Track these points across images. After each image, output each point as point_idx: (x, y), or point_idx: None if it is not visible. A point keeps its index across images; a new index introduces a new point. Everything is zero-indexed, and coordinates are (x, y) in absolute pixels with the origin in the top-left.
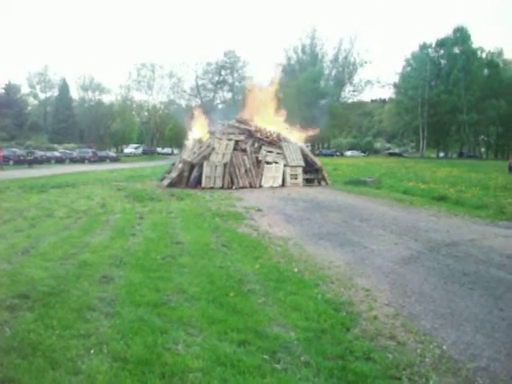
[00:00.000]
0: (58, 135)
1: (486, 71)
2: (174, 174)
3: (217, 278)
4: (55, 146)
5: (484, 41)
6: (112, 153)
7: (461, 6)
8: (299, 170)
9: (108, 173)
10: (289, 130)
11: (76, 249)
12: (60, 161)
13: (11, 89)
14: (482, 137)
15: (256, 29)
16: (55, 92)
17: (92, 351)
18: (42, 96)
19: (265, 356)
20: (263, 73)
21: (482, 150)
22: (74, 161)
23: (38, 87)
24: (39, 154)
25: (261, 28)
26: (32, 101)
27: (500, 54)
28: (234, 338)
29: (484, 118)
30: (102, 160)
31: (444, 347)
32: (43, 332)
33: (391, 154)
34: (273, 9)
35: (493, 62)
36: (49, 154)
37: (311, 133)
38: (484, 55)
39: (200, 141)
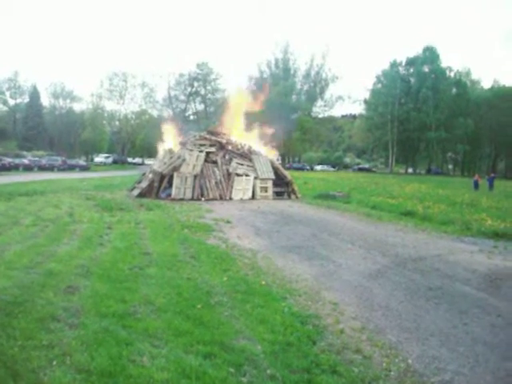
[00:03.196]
0: (28, 142)
1: (454, 90)
2: (144, 185)
3: (184, 289)
4: (24, 153)
5: (452, 61)
6: (82, 161)
7: (431, 25)
8: (269, 183)
9: (77, 181)
10: (260, 143)
11: (42, 258)
12: (28, 168)
13: None
14: (450, 154)
15: (230, 42)
16: (25, 98)
17: (55, 362)
18: (11, 102)
19: (231, 369)
20: (236, 86)
21: (450, 166)
22: (42, 168)
23: (7, 93)
24: (7, 160)
25: (235, 41)
26: (1, 107)
27: (468, 73)
28: (200, 350)
29: (452, 135)
30: (71, 168)
31: (409, 361)
32: (5, 342)
33: (361, 169)
34: (247, 22)
35: (461, 82)
36: (17, 161)
37: (282, 146)
38: (452, 74)
39: (171, 151)
